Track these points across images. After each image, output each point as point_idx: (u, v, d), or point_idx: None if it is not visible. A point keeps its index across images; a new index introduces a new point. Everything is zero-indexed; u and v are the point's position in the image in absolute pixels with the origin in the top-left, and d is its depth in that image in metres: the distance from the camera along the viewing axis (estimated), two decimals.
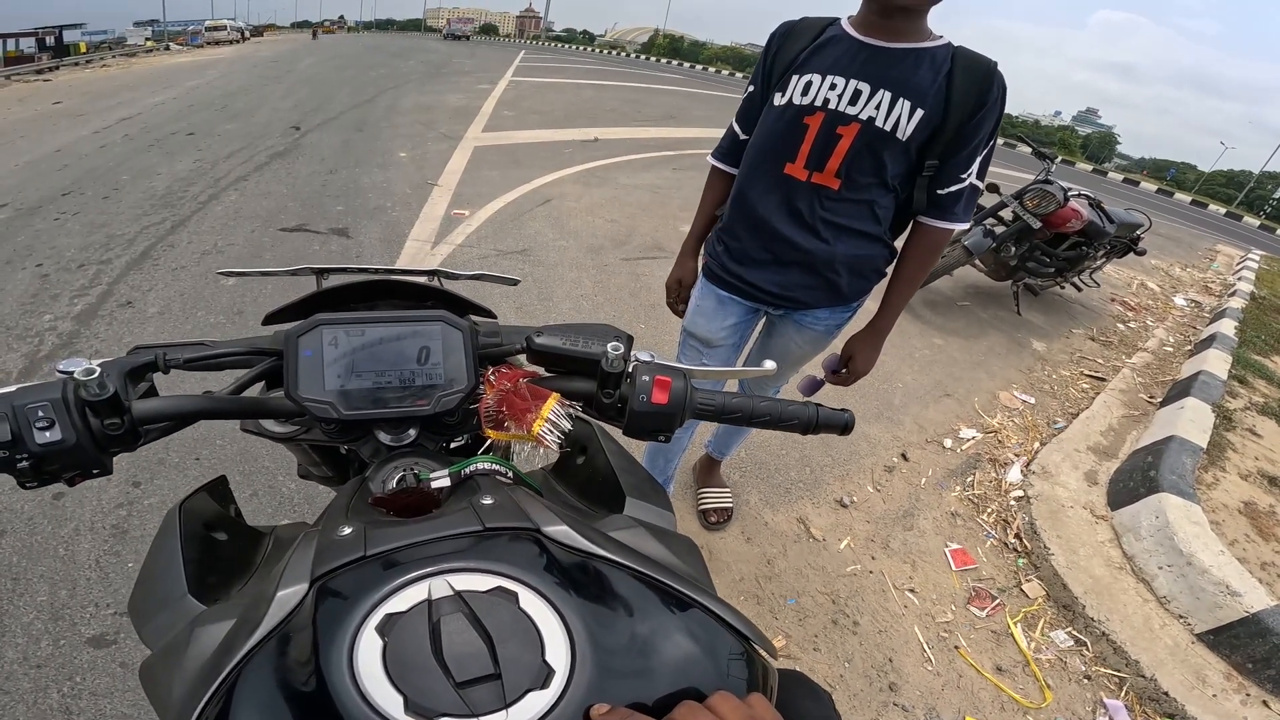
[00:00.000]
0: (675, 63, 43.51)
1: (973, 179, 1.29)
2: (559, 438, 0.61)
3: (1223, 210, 24.14)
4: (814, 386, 1.68)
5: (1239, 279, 6.89)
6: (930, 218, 1.35)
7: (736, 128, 1.49)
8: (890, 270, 1.48)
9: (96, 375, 0.51)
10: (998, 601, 2.07)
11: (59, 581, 1.70)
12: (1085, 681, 1.86)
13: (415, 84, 12.68)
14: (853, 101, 1.24)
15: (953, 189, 1.29)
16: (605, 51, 58.73)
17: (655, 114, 11.81)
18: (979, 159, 1.27)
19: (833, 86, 1.25)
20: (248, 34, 36.05)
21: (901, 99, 1.20)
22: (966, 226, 1.36)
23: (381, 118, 8.56)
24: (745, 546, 2.13)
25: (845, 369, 1.57)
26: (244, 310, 3.09)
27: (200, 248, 3.84)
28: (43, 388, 0.50)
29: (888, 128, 1.23)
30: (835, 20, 1.32)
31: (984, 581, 2.15)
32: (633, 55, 52.26)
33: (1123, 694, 1.82)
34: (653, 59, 45.96)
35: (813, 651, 1.82)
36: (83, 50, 20.39)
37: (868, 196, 1.32)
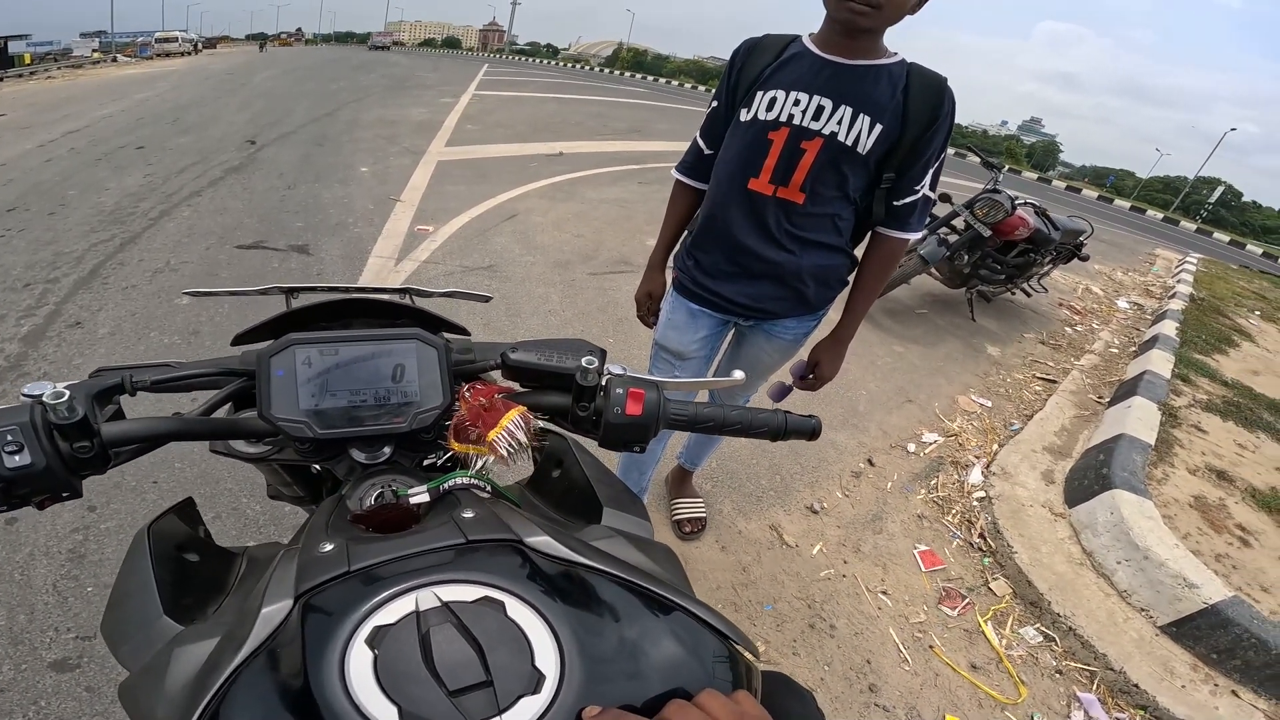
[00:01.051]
0: (640, 76, 43.92)
1: (926, 190, 1.34)
2: (514, 449, 0.62)
3: (1160, 215, 25.37)
4: (783, 392, 1.73)
5: (1178, 281, 7.22)
6: (887, 228, 1.40)
7: (701, 142, 1.51)
8: (852, 279, 1.54)
9: (65, 399, 0.50)
10: (967, 600, 2.12)
11: (16, 606, 1.66)
12: (1057, 676, 1.91)
13: (377, 97, 12.52)
14: (816, 117, 1.27)
15: (908, 200, 1.34)
16: (570, 65, 59.02)
17: (620, 127, 11.89)
18: (931, 171, 1.33)
19: (796, 102, 1.28)
20: (200, 46, 35.18)
21: (862, 114, 1.25)
22: (921, 235, 1.40)
23: (342, 132, 8.43)
24: (721, 555, 2.14)
25: (812, 375, 1.61)
26: (200, 330, 2.99)
27: (152, 265, 3.72)
28: (10, 412, 0.50)
29: (849, 142, 1.27)
30: (797, 37, 1.36)
31: (953, 581, 2.20)
32: (597, 69, 52.61)
33: (1094, 687, 1.88)
34: (617, 72, 46.35)
35: (792, 656, 1.84)
36: (28, 61, 19.64)
37: (830, 209, 1.37)
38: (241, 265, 3.87)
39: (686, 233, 1.62)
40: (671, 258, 1.68)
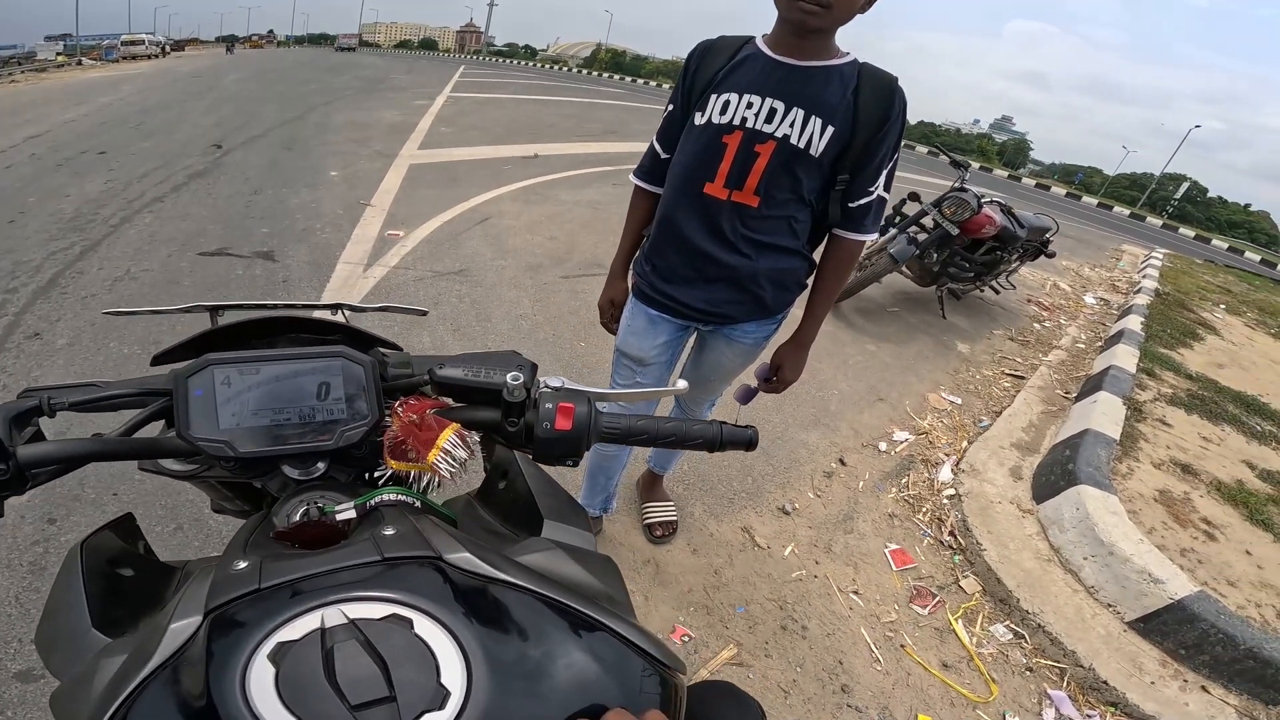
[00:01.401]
0: (617, 77, 43.92)
1: (880, 191, 1.34)
2: (454, 467, 0.62)
3: (1127, 212, 25.93)
4: (749, 395, 1.73)
5: (1144, 276, 7.38)
6: (844, 230, 1.40)
7: (657, 146, 1.51)
8: (810, 282, 1.54)
9: None
10: (938, 599, 2.14)
11: None
12: (1028, 674, 1.93)
13: (349, 100, 12.38)
14: (769, 120, 1.27)
15: (862, 201, 1.34)
16: (547, 66, 58.87)
17: (596, 129, 11.88)
18: (885, 172, 1.33)
19: (749, 105, 1.28)
20: (168, 49, 34.52)
21: (814, 116, 1.25)
22: (875, 236, 1.44)
23: (312, 135, 8.31)
24: (692, 558, 2.13)
25: (775, 378, 1.61)
26: (160, 340, 2.92)
27: (112, 274, 3.63)
28: None
29: (802, 145, 1.26)
30: (750, 39, 1.35)
31: (924, 580, 2.21)
32: (576, 70, 52.54)
33: (1065, 684, 1.90)
34: (595, 73, 46.31)
35: (764, 658, 1.84)
36: None
37: (786, 212, 1.36)
38: (205, 272, 3.79)
39: (645, 238, 1.62)
40: (632, 263, 1.67)
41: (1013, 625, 2.07)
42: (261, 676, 0.40)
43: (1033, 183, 28.16)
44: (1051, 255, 5.29)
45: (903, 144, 1.35)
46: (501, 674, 0.42)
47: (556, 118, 12.60)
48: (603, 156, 8.90)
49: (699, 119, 1.34)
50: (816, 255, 1.51)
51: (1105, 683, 1.85)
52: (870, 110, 1.24)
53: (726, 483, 2.51)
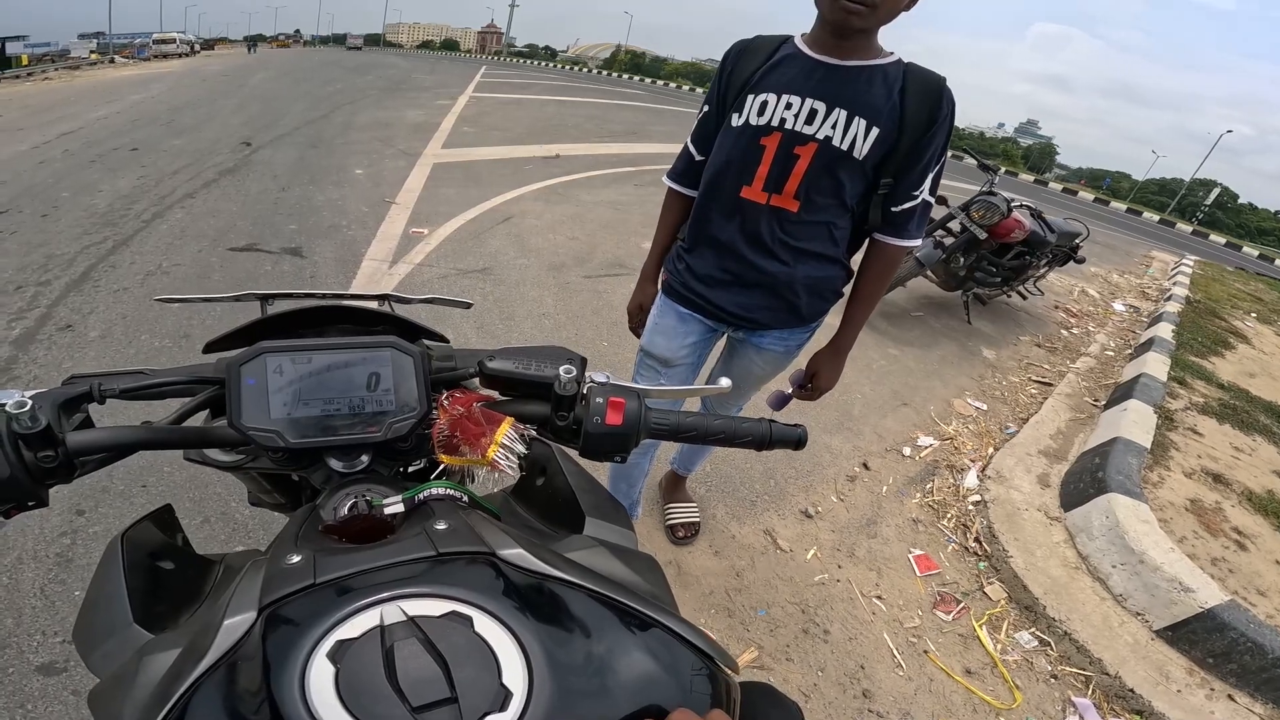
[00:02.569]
0: (637, 78, 44.00)
1: (925, 195, 1.29)
2: (514, 462, 0.61)
3: (1156, 218, 25.44)
4: (782, 401, 1.70)
5: (1174, 284, 7.23)
6: (886, 235, 1.35)
7: (692, 149, 1.47)
8: (847, 290, 1.50)
9: (28, 408, 0.50)
10: (962, 605, 2.11)
11: (4, 610, 1.65)
12: (1052, 681, 1.90)
13: (373, 99, 12.52)
14: (809, 121, 1.23)
15: (906, 206, 1.29)
16: (567, 67, 59.10)
17: (617, 130, 11.90)
18: (931, 175, 1.28)
19: (789, 106, 1.24)
20: (197, 47, 35.17)
21: (858, 118, 1.20)
22: (919, 243, 1.38)
23: (337, 134, 8.42)
24: (714, 560, 2.13)
25: (810, 385, 1.59)
26: (190, 334, 2.98)
27: (144, 268, 3.70)
28: None
29: (844, 147, 1.22)
30: (789, 38, 1.31)
31: (948, 586, 2.19)
32: (595, 71, 52.68)
33: (1090, 692, 1.87)
34: (615, 75, 46.40)
35: (785, 662, 1.83)
36: (25, 63, 19.66)
37: (826, 218, 1.32)
38: (234, 267, 3.86)
39: (678, 238, 1.59)
40: (664, 260, 1.65)
41: (1038, 632, 2.04)
42: (321, 676, 0.39)
43: (1059, 187, 27.74)
44: (1081, 261, 5.20)
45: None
46: (562, 673, 0.41)
47: (577, 119, 12.64)
48: (624, 158, 8.92)
49: (736, 120, 1.31)
50: (854, 262, 1.48)
51: (1131, 690, 1.82)
52: (917, 111, 1.20)
53: (749, 485, 2.50)
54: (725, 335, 1.64)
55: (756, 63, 1.30)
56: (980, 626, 2.03)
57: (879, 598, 2.10)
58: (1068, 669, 1.93)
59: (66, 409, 0.56)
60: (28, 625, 1.62)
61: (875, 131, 1.21)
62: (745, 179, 1.32)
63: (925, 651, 1.93)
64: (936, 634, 2.00)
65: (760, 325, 1.50)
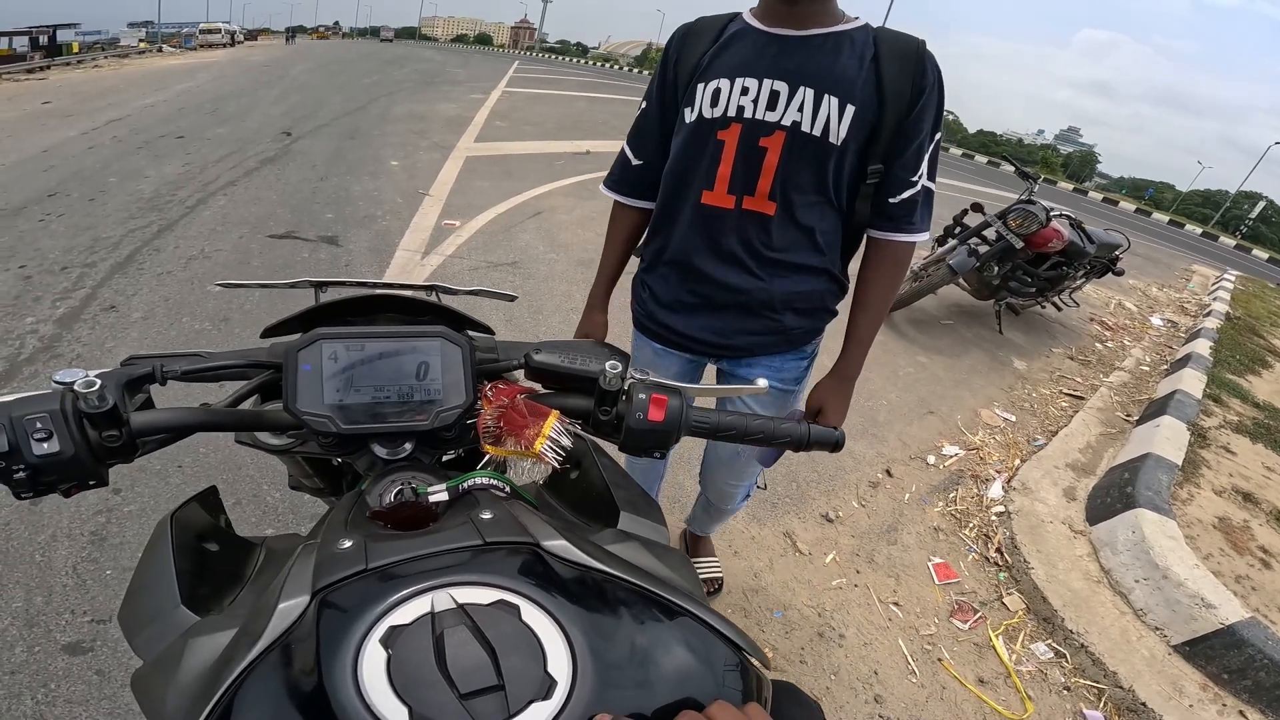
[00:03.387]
0: None
1: (924, 180, 1.11)
2: (559, 455, 0.61)
3: (1199, 230, 24.72)
4: (773, 457, 1.34)
5: (1214, 299, 7.04)
6: (886, 231, 1.15)
7: (628, 150, 1.29)
8: (843, 306, 1.31)
9: (96, 387, 0.51)
10: (979, 614, 2.10)
11: (35, 588, 1.67)
12: (1065, 693, 1.88)
13: (408, 92, 12.69)
14: (771, 105, 1.05)
15: (905, 196, 1.10)
16: (599, 64, 59.21)
17: None
18: (926, 156, 1.10)
19: (745, 91, 1.06)
20: (240, 38, 35.97)
21: (827, 95, 1.02)
22: (926, 236, 1.18)
23: (373, 125, 8.56)
24: (732, 560, 2.14)
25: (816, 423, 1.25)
26: (230, 318, 3.07)
27: (186, 253, 3.82)
28: (40, 398, 0.50)
29: (817, 131, 1.04)
30: (736, 15, 1.13)
31: (966, 595, 2.18)
32: (626, 69, 52.70)
33: (1101, 705, 1.85)
34: (646, 73, 46.34)
35: (799, 664, 1.84)
36: (75, 50, 20.25)
37: (808, 221, 1.13)
38: (272, 254, 3.96)
39: (639, 258, 1.40)
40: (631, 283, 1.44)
41: (1054, 644, 2.02)
42: (374, 661, 0.39)
43: (1099, 197, 27.09)
44: (1120, 273, 5.09)
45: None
46: (604, 664, 0.42)
47: (608, 115, 12.65)
48: None
49: (689, 115, 1.12)
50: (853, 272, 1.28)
51: (1143, 704, 1.81)
52: (897, 82, 1.01)
53: (770, 486, 2.50)
54: (713, 365, 1.42)
55: (703, 46, 1.12)
56: (996, 636, 2.02)
57: (896, 604, 2.09)
58: (1081, 681, 1.91)
59: (130, 389, 0.57)
60: (57, 604, 1.64)
61: (850, 109, 1.02)
62: (705, 182, 1.13)
63: (939, 659, 1.92)
64: (952, 642, 1.99)
65: (740, 352, 1.30)
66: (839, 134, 1.03)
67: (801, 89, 1.03)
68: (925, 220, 1.15)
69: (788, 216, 1.12)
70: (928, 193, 1.13)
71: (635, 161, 1.28)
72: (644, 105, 1.24)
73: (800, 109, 1.03)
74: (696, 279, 1.22)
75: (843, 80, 1.02)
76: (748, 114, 1.06)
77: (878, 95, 1.02)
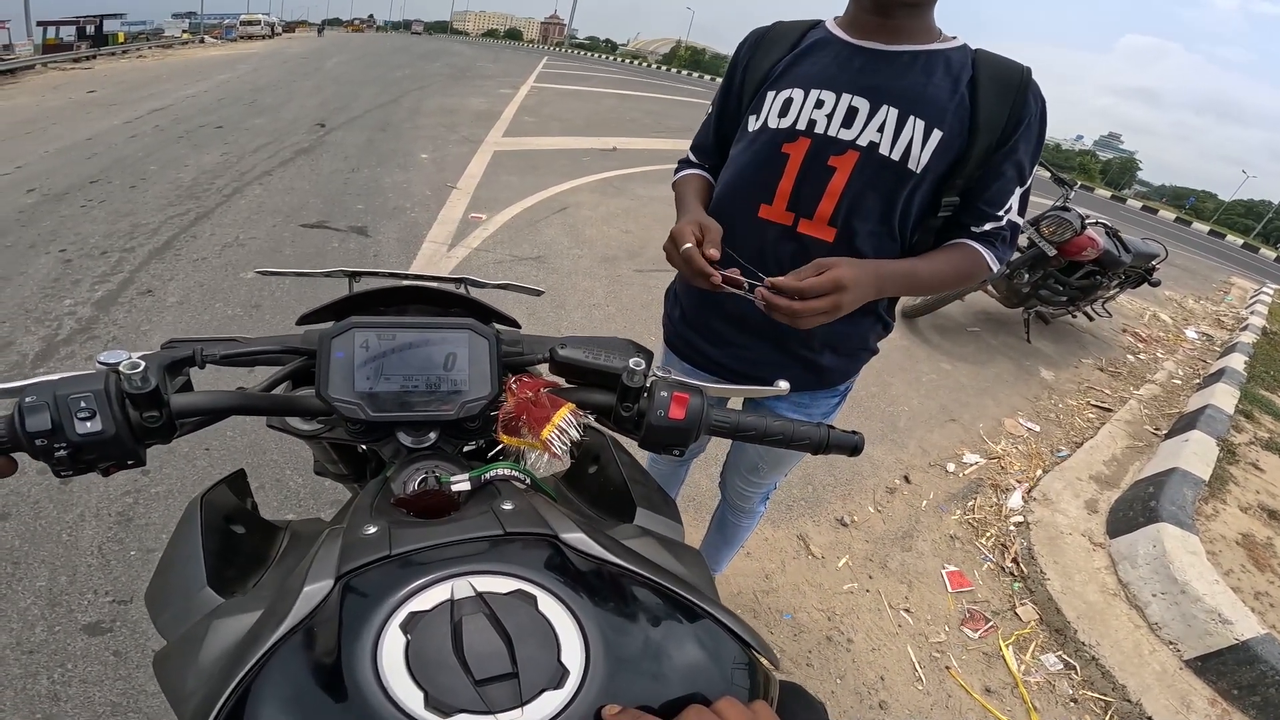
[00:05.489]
0: (697, 75, 43.69)
1: (1012, 215, 1.00)
2: (566, 446, 0.62)
3: (1240, 241, 23.96)
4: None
5: (1251, 313, 6.84)
6: (971, 240, 1.03)
7: (693, 158, 1.24)
8: (886, 344, 1.24)
9: (140, 369, 0.52)
10: (991, 624, 2.08)
11: (59, 567, 1.70)
12: (1072, 705, 1.87)
13: (439, 86, 12.83)
14: (847, 123, 0.96)
15: (986, 228, 1.00)
16: (627, 61, 59.18)
17: (676, 125, 11.87)
18: (1018, 192, 0.99)
19: (819, 104, 0.97)
20: (278, 30, 36.68)
21: (913, 117, 0.93)
22: (997, 269, 1.05)
23: (405, 118, 8.67)
24: (744, 561, 2.15)
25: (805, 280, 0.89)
26: (261, 304, 3.15)
27: (222, 240, 3.93)
28: (85, 378, 0.51)
29: (895, 155, 0.95)
30: (819, 22, 1.07)
31: (979, 604, 2.16)
32: (654, 66, 52.60)
33: (1107, 718, 1.83)
34: (675, 70, 46.23)
35: (806, 667, 1.84)
36: (121, 40, 20.79)
37: (865, 252, 1.02)
38: (304, 243, 4.05)
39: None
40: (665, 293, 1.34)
41: (1065, 656, 2.00)
42: (394, 646, 0.40)
43: (1138, 204, 26.40)
44: (1156, 284, 4.97)
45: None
46: (617, 656, 0.43)
47: (636, 113, 12.67)
48: (681, 154, 8.88)
49: (753, 123, 1.04)
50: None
51: (1150, 718, 1.80)
52: (993, 110, 0.92)
53: (786, 489, 2.51)
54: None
55: (778, 52, 1.05)
56: (1006, 646, 2.00)
57: (907, 610, 2.09)
58: (1089, 694, 1.89)
59: (170, 371, 0.58)
60: (80, 584, 1.65)
61: (937, 135, 0.93)
62: (764, 196, 1.04)
63: (947, 668, 1.91)
64: (961, 650, 1.98)
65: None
66: (920, 160, 0.94)
67: (884, 108, 0.94)
68: (1007, 253, 1.05)
69: (846, 246, 1.01)
70: (1014, 228, 1.03)
71: (697, 161, 1.23)
72: (710, 112, 1.18)
73: (880, 129, 0.95)
74: (731, 298, 1.04)
75: (933, 103, 0.93)
76: (819, 129, 0.98)
77: (970, 123, 0.94)
